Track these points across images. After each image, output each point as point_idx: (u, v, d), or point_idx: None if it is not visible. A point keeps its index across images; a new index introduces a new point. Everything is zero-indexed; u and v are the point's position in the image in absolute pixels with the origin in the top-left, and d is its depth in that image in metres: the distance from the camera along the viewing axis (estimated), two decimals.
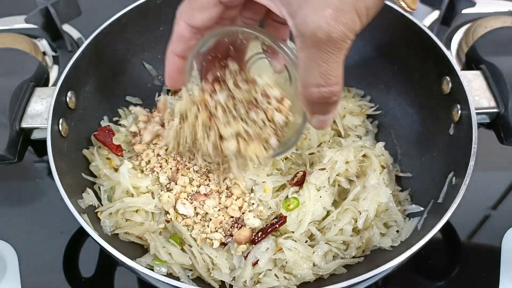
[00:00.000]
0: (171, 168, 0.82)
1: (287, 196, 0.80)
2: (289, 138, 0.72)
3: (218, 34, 0.66)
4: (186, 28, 0.65)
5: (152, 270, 0.71)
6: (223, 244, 0.78)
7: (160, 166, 0.83)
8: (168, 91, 1.05)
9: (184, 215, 0.79)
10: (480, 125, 0.84)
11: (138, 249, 0.80)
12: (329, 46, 0.53)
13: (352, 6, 0.52)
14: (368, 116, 1.00)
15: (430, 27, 1.24)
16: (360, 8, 0.53)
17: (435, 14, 1.26)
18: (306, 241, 0.78)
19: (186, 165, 0.82)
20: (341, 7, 0.52)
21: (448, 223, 0.83)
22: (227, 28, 0.66)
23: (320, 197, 0.80)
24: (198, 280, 0.76)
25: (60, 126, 0.81)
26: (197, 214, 0.79)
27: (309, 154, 0.87)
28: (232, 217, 0.78)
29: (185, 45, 0.67)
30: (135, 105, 1.00)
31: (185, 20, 0.64)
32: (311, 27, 0.52)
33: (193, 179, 0.81)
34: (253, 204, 0.80)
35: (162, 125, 0.89)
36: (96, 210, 0.81)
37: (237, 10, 0.67)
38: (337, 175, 0.84)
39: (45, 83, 0.93)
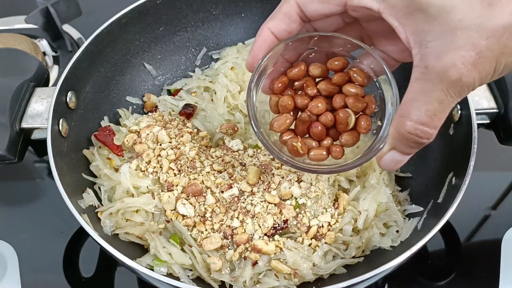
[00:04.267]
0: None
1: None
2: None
3: (308, 35, 0.64)
4: (296, 10, 0.61)
5: (152, 270, 0.71)
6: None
7: (161, 167, 0.83)
8: (168, 91, 1.05)
9: (184, 215, 0.79)
10: (480, 125, 0.84)
11: (138, 249, 0.80)
12: (453, 88, 0.51)
13: (495, 57, 0.50)
14: None
15: None
16: (500, 63, 0.50)
17: None
18: (310, 244, 0.78)
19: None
20: (485, 54, 0.49)
21: (448, 223, 0.83)
22: (324, 33, 0.64)
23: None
24: (198, 280, 0.76)
25: (60, 126, 0.81)
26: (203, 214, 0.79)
27: None
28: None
29: (286, 26, 0.62)
30: (135, 106, 1.00)
31: (299, 2, 0.60)
32: (444, 63, 0.50)
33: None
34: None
35: (164, 126, 0.89)
36: (96, 210, 0.80)
37: (356, 28, 0.65)
38: (337, 175, 0.85)
39: (45, 83, 0.93)
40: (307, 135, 0.68)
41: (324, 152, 0.66)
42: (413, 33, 0.53)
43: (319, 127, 0.66)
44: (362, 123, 0.65)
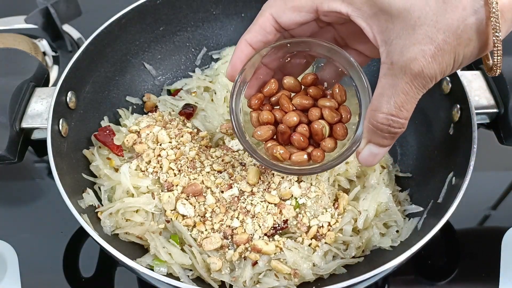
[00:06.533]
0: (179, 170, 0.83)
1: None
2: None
3: (289, 43, 0.67)
4: (271, 22, 0.65)
5: (152, 270, 0.71)
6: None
7: (161, 167, 0.83)
8: (168, 91, 1.05)
9: (184, 215, 0.79)
10: (480, 125, 0.84)
11: (138, 249, 0.80)
12: (417, 80, 0.55)
13: (453, 49, 0.53)
14: None
15: None
16: (458, 54, 0.54)
17: None
18: (310, 244, 0.78)
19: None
20: (443, 47, 0.53)
21: (448, 223, 0.83)
22: (301, 39, 0.68)
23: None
24: (198, 280, 0.76)
25: (60, 126, 0.81)
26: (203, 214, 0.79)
27: None
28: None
29: (262, 38, 0.66)
30: (135, 106, 1.00)
31: (273, 14, 0.64)
32: (406, 58, 0.54)
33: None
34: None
35: (164, 126, 0.89)
36: (96, 210, 0.81)
37: (330, 31, 0.69)
38: (337, 175, 0.85)
39: (45, 83, 0.93)
40: (289, 143, 0.73)
41: (305, 156, 0.71)
42: (379, 32, 0.56)
43: (301, 137, 0.70)
44: (338, 130, 0.70)
